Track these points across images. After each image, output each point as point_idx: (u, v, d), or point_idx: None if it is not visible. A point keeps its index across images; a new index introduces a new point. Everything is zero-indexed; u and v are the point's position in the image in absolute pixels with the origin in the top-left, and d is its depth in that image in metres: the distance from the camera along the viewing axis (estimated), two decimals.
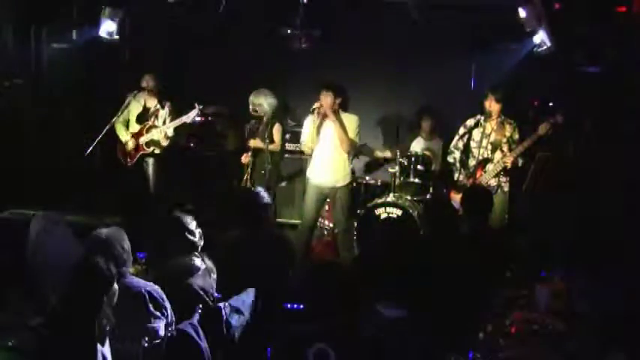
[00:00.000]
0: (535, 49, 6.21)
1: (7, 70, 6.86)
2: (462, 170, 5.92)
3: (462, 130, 5.93)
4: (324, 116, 5.73)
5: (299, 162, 7.02)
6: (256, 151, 6.30)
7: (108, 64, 7.21)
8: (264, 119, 6.24)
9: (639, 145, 6.06)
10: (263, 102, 6.21)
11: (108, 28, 6.57)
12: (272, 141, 6.21)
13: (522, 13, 6.05)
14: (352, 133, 5.80)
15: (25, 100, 7.05)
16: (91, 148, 6.09)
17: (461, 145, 5.89)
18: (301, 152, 6.76)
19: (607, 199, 6.16)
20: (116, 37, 6.68)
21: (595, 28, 6.15)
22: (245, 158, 6.34)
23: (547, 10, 6.01)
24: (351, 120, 5.82)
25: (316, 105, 5.72)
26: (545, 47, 6.10)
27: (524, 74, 6.56)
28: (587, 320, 3.56)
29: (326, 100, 5.69)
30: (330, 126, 5.79)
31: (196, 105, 6.21)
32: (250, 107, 6.26)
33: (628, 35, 5.99)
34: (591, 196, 6.15)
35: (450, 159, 6.07)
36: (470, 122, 5.88)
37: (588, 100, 6.32)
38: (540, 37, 6.07)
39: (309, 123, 5.89)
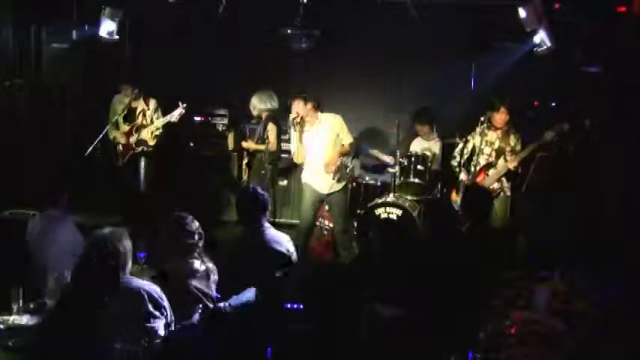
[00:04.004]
0: (535, 49, 6.21)
1: (7, 70, 6.86)
2: (465, 172, 5.94)
3: (465, 139, 5.98)
4: (302, 125, 5.73)
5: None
6: (253, 152, 6.33)
7: (108, 64, 7.22)
8: (262, 120, 6.28)
9: (639, 146, 6.06)
10: (257, 104, 6.31)
11: (108, 28, 6.57)
12: (265, 141, 6.21)
13: (522, 13, 6.05)
14: (344, 133, 5.81)
15: (25, 100, 7.05)
16: (91, 148, 6.11)
17: (464, 151, 5.92)
18: None
19: (607, 199, 6.16)
20: (116, 37, 6.69)
21: (595, 28, 6.15)
22: (244, 159, 6.39)
23: (547, 10, 6.01)
24: (335, 120, 5.83)
25: (292, 116, 5.71)
26: (545, 47, 6.10)
27: (524, 74, 6.55)
28: (587, 320, 3.56)
29: (298, 107, 5.69)
30: (313, 134, 5.80)
31: (180, 104, 6.25)
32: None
33: (628, 35, 5.99)
34: (591, 196, 6.15)
35: (454, 162, 6.10)
36: (477, 130, 5.91)
37: (588, 100, 6.31)
38: (540, 37, 6.06)
39: (293, 136, 5.88)
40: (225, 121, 7.30)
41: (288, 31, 6.69)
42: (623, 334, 3.19)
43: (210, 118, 7.28)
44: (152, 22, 7.29)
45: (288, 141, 7.03)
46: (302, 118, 5.68)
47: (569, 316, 3.64)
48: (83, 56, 7.21)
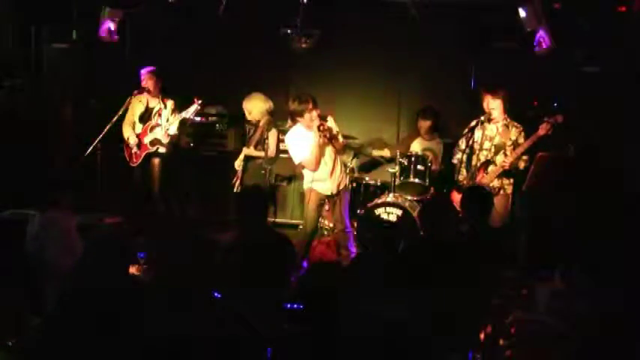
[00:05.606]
0: (535, 49, 6.21)
1: (7, 70, 6.86)
2: (465, 171, 5.91)
3: (465, 131, 5.93)
4: (330, 133, 5.59)
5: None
6: (249, 157, 6.27)
7: (108, 64, 7.22)
8: (260, 125, 6.19)
9: (639, 145, 6.07)
10: (252, 108, 6.18)
11: (108, 28, 6.57)
12: (265, 147, 6.10)
13: (522, 13, 6.05)
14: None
15: (25, 100, 7.06)
16: (92, 148, 6.10)
17: (464, 145, 5.89)
18: None
19: (607, 199, 6.15)
20: (116, 37, 6.68)
21: (595, 28, 6.15)
22: (238, 162, 6.30)
23: (547, 9, 6.01)
24: (332, 122, 5.75)
25: (319, 125, 5.49)
26: (545, 47, 6.10)
27: (524, 74, 6.55)
28: (587, 320, 3.56)
29: (316, 114, 5.56)
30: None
31: (195, 100, 6.20)
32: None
33: (628, 35, 5.99)
34: (591, 196, 6.15)
35: (454, 160, 6.07)
36: (472, 123, 5.89)
37: (588, 100, 6.31)
38: (540, 37, 6.06)
39: (307, 143, 5.63)
40: (226, 121, 7.29)
41: (288, 31, 6.68)
42: (623, 335, 3.19)
43: (210, 118, 7.27)
44: (152, 22, 7.30)
45: None
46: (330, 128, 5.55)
47: (569, 316, 3.64)
48: (83, 56, 7.21)
